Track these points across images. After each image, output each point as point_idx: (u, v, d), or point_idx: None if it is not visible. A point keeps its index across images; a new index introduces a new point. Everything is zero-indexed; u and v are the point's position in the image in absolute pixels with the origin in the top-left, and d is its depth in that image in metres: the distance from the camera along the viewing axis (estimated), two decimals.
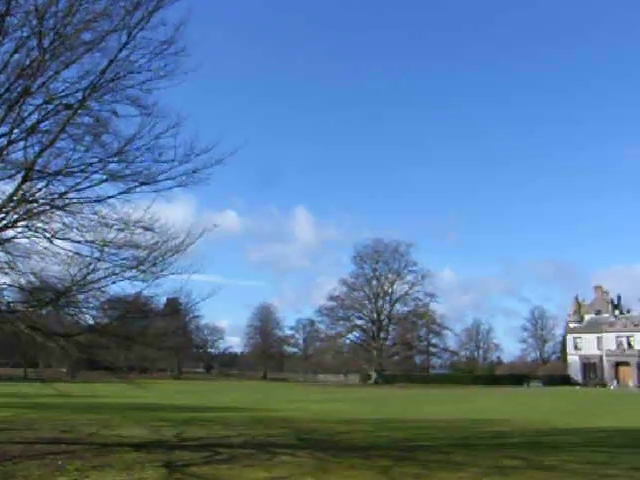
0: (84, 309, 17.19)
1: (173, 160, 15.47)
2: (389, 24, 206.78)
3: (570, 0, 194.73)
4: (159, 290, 17.20)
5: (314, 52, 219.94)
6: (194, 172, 15.67)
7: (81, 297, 16.70)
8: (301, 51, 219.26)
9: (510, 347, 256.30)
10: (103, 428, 22.47)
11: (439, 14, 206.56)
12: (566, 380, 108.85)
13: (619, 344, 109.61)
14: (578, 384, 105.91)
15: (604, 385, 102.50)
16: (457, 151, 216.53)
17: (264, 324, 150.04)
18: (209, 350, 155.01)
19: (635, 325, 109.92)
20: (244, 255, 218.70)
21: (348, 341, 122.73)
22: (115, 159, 15.51)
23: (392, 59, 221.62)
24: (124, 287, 16.97)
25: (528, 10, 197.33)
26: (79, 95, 14.74)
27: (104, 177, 15.43)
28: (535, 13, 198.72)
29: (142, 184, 15.63)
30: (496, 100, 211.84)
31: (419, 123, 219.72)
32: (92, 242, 15.58)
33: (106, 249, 15.66)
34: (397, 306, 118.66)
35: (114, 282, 16.29)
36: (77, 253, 15.89)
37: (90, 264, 15.84)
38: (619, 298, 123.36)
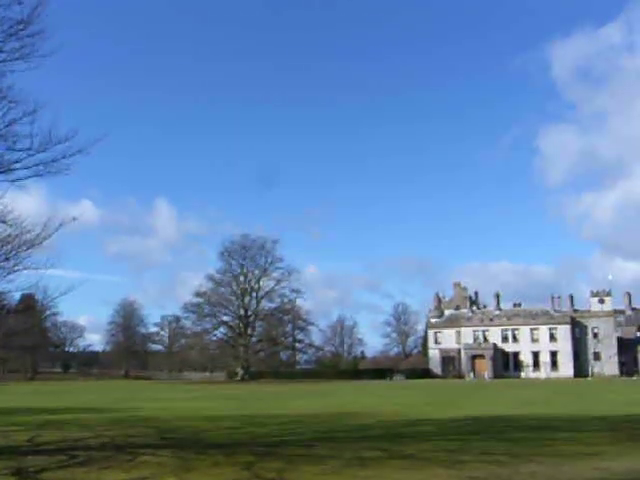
0: None
1: (29, 148, 14.78)
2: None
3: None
4: (12, 286, 16.46)
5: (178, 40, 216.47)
6: (52, 161, 15.01)
7: None
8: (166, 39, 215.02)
9: (374, 342, 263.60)
10: None
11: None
12: (427, 373, 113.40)
13: (476, 338, 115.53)
14: (438, 376, 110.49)
15: (462, 377, 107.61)
16: (321, 147, 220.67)
17: (126, 321, 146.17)
18: (67, 349, 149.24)
19: (490, 320, 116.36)
20: (102, 249, 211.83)
21: (215, 338, 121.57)
22: None
23: (244, 52, 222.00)
24: None
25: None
26: None
27: None
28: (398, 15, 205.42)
29: None
30: (365, 99, 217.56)
31: (287, 117, 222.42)
32: None
33: None
34: (263, 302, 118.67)
35: None
36: None
37: None
38: (476, 294, 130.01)
